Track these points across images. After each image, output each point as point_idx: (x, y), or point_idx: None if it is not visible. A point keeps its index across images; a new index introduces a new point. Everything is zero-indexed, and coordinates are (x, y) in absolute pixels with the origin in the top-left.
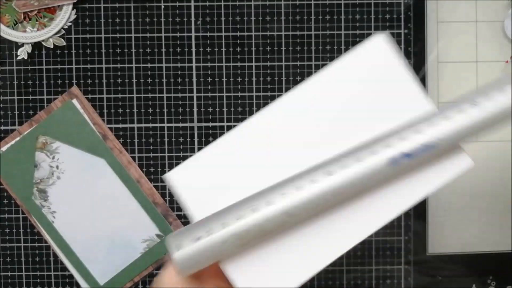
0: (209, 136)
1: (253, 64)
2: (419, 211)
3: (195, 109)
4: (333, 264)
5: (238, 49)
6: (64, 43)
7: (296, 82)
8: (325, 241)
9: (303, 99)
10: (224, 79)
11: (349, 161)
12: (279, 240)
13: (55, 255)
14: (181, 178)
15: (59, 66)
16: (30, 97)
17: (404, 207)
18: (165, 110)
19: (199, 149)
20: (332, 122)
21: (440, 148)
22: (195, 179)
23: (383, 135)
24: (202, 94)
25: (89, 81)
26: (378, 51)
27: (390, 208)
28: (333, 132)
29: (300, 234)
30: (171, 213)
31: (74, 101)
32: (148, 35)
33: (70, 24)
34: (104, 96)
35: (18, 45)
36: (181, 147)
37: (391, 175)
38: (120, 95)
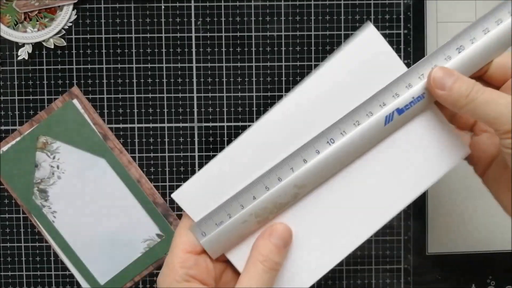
0: (209, 136)
1: (253, 64)
2: (419, 211)
3: (195, 109)
4: None
5: (238, 49)
6: (65, 43)
7: (296, 82)
8: (331, 242)
9: (303, 102)
10: (224, 79)
11: (348, 126)
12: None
13: (55, 255)
14: (185, 197)
15: (59, 66)
16: (31, 97)
17: (409, 200)
18: (165, 110)
19: (199, 149)
20: (331, 116)
21: (427, 100)
22: (198, 196)
23: (377, 94)
24: (202, 94)
25: (89, 81)
26: (371, 42)
27: (394, 203)
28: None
29: (307, 237)
30: (171, 212)
31: (75, 101)
32: (148, 35)
33: (70, 24)
34: (105, 96)
35: (18, 45)
36: (181, 147)
37: (386, 133)
38: (120, 95)
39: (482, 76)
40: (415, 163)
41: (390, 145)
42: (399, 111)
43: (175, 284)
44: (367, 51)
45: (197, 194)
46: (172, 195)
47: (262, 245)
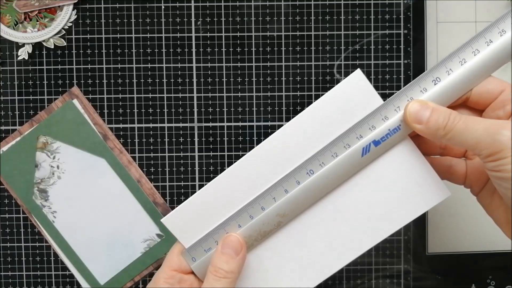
0: (209, 136)
1: (253, 64)
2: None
3: (195, 109)
4: None
5: (238, 49)
6: (65, 43)
7: (296, 82)
8: (306, 269)
9: (287, 138)
10: (224, 79)
11: (327, 158)
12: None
13: (55, 255)
14: (175, 222)
15: (59, 66)
16: (31, 97)
17: (379, 239)
18: (165, 110)
19: (199, 149)
20: (314, 149)
21: (403, 132)
22: (187, 221)
23: (354, 126)
24: (202, 94)
25: (89, 81)
26: (357, 85)
27: (368, 238)
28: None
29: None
30: None
31: (75, 101)
32: (148, 35)
33: (70, 24)
34: (105, 96)
35: (18, 45)
36: (181, 147)
37: (363, 164)
38: (120, 95)
39: (465, 102)
40: (391, 199)
41: (367, 176)
42: (376, 142)
43: None
44: (352, 91)
45: (185, 220)
46: (162, 220)
47: (213, 257)
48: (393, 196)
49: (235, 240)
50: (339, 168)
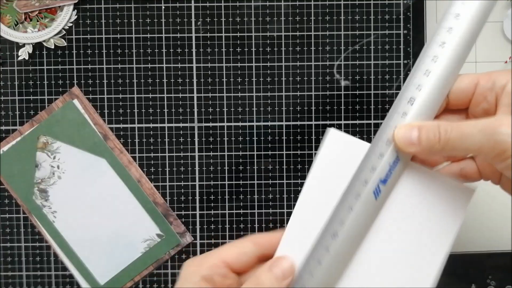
0: (209, 136)
1: (253, 64)
2: None
3: (195, 109)
4: None
5: (238, 49)
6: (65, 44)
7: (296, 82)
8: None
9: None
10: (224, 79)
11: (344, 213)
12: None
13: (55, 255)
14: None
15: (60, 67)
16: (31, 97)
17: (440, 261)
18: (165, 110)
19: (199, 149)
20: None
21: (403, 160)
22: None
23: (357, 176)
24: (202, 94)
25: (89, 81)
26: (337, 143)
27: (428, 262)
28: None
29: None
30: (171, 213)
31: (75, 101)
32: (148, 35)
33: (71, 24)
34: (105, 96)
35: (19, 46)
36: (181, 147)
37: (380, 206)
38: (120, 95)
39: (447, 107)
40: (423, 225)
41: (390, 217)
42: (383, 181)
43: (194, 276)
44: (337, 151)
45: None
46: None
47: (261, 273)
48: (424, 221)
49: (287, 264)
50: (359, 219)
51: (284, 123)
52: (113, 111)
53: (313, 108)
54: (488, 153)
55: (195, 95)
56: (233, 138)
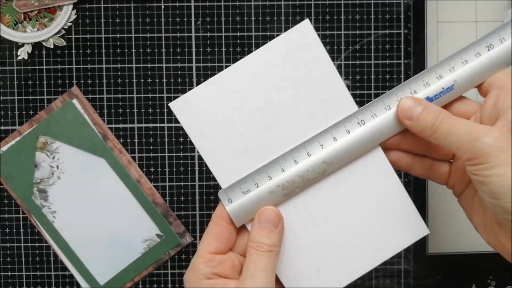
0: None
1: None
2: (419, 211)
3: None
4: None
5: (238, 49)
6: (64, 43)
7: None
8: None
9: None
10: None
11: (379, 109)
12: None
13: (55, 255)
14: (181, 107)
15: (59, 66)
16: (31, 97)
17: (365, 271)
18: (165, 110)
19: None
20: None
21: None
22: (193, 109)
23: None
24: None
25: (89, 81)
26: (304, 34)
27: (356, 267)
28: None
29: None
30: (171, 213)
31: (74, 101)
32: (148, 35)
33: (70, 24)
34: (104, 96)
35: (18, 45)
36: (181, 147)
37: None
38: (120, 95)
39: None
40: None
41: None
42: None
43: (197, 282)
44: (299, 41)
45: (193, 107)
46: (170, 104)
47: (252, 232)
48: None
49: (271, 213)
50: (384, 120)
51: None
52: (113, 111)
53: None
54: (464, 153)
55: None
56: None
